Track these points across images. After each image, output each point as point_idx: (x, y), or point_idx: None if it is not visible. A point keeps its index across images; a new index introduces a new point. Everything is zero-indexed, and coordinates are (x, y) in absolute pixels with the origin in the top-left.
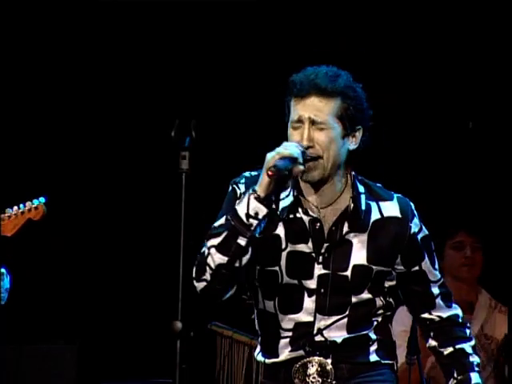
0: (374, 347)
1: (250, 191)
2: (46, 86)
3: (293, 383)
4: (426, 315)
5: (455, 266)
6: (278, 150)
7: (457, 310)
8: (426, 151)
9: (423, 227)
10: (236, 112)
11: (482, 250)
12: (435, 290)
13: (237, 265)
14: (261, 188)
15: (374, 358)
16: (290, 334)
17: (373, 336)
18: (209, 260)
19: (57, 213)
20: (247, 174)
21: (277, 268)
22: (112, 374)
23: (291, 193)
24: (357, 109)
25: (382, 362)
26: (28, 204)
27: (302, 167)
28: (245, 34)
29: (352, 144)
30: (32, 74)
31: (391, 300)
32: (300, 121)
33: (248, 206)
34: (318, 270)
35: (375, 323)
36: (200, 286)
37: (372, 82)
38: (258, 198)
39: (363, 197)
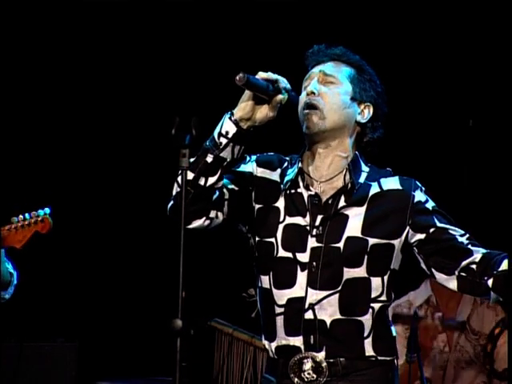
0: (369, 339)
1: (228, 113)
2: (44, 86)
3: (289, 379)
4: (465, 263)
5: None
6: (262, 72)
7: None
8: (424, 148)
9: (430, 200)
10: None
11: None
12: (463, 240)
13: (201, 183)
14: (237, 108)
15: (369, 351)
16: (282, 310)
17: (368, 325)
18: (178, 178)
19: (57, 212)
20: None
21: (273, 240)
22: (112, 371)
23: (296, 166)
24: (369, 83)
25: (379, 358)
26: (33, 214)
27: (281, 96)
28: (245, 30)
29: (360, 116)
30: (32, 77)
31: (391, 289)
32: (310, 77)
33: (222, 125)
34: (312, 243)
35: (370, 310)
36: (169, 204)
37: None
38: (231, 118)
39: (364, 174)
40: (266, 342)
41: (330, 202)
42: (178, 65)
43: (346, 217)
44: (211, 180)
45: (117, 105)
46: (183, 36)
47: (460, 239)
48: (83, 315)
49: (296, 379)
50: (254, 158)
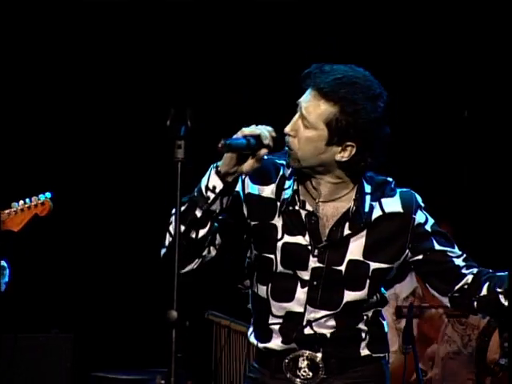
0: (365, 341)
1: (214, 165)
2: (42, 80)
3: (283, 374)
4: (457, 286)
5: None
6: (245, 128)
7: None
8: (414, 140)
9: (430, 218)
10: (231, 101)
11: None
12: (459, 263)
13: (192, 236)
14: (222, 163)
15: (364, 352)
16: (280, 321)
17: (364, 330)
18: (170, 227)
19: (55, 204)
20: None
21: (272, 256)
22: (107, 363)
23: (292, 185)
24: (352, 124)
25: (373, 355)
26: (34, 199)
27: (265, 150)
28: (239, 23)
29: (339, 156)
30: (30, 71)
31: (385, 295)
32: (297, 105)
33: (208, 179)
34: (313, 263)
35: (365, 318)
36: (161, 251)
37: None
38: (217, 173)
39: (368, 198)
40: (255, 341)
41: (334, 228)
42: (173, 56)
43: (348, 239)
44: (202, 232)
45: (112, 95)
46: (177, 28)
47: (456, 262)
48: (78, 306)
49: (291, 377)
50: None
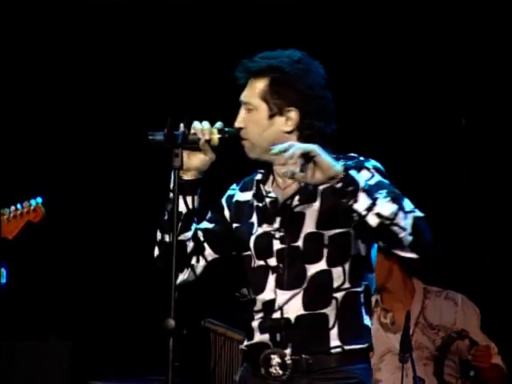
0: (334, 330)
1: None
2: (35, 84)
3: (259, 371)
4: None
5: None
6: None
7: None
8: (422, 148)
9: (377, 175)
10: (228, 110)
11: None
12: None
13: (167, 240)
14: (175, 163)
15: (334, 343)
16: (260, 315)
17: (332, 316)
18: (155, 238)
19: (48, 210)
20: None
21: (249, 252)
22: (105, 371)
23: (257, 181)
24: (286, 88)
25: (345, 348)
26: (26, 204)
27: (202, 140)
28: (230, 31)
29: (286, 126)
30: (23, 75)
31: (361, 276)
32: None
33: (172, 181)
34: (276, 245)
35: (334, 301)
36: (154, 265)
37: (364, 80)
38: (174, 173)
39: None
40: (243, 345)
41: (287, 202)
42: (170, 66)
43: (303, 215)
44: (181, 236)
45: (109, 103)
46: (172, 36)
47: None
48: (76, 314)
49: (265, 374)
50: (239, 184)
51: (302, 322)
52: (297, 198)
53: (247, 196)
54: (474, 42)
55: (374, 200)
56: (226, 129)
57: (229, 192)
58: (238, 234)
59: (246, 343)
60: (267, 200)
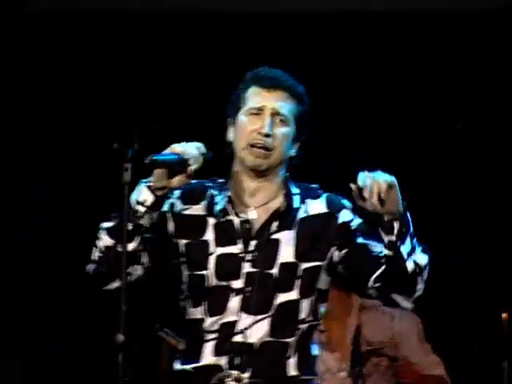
0: (293, 360)
1: (143, 181)
2: (35, 84)
3: None
4: (376, 274)
5: None
6: (174, 145)
7: None
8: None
9: (357, 217)
10: (179, 123)
11: None
12: (381, 255)
13: (120, 249)
14: (153, 178)
15: (292, 372)
16: (215, 335)
17: (293, 347)
18: (98, 241)
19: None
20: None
21: (204, 272)
22: None
23: (224, 194)
24: (308, 118)
25: (301, 377)
26: None
27: (193, 166)
28: (187, 42)
29: (293, 151)
30: (23, 75)
31: (318, 308)
32: (261, 109)
33: (139, 194)
34: (246, 268)
35: (298, 332)
36: (89, 267)
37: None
38: (148, 187)
39: (298, 197)
40: (181, 366)
41: (264, 227)
42: (121, 79)
43: (278, 241)
44: (130, 246)
45: (61, 116)
46: (127, 49)
47: (377, 252)
48: (23, 331)
49: None
50: (175, 193)
51: (266, 348)
52: (276, 223)
53: (197, 210)
54: (467, 51)
55: (414, 246)
56: (206, 151)
57: (169, 201)
58: (187, 252)
59: (192, 365)
60: (236, 219)
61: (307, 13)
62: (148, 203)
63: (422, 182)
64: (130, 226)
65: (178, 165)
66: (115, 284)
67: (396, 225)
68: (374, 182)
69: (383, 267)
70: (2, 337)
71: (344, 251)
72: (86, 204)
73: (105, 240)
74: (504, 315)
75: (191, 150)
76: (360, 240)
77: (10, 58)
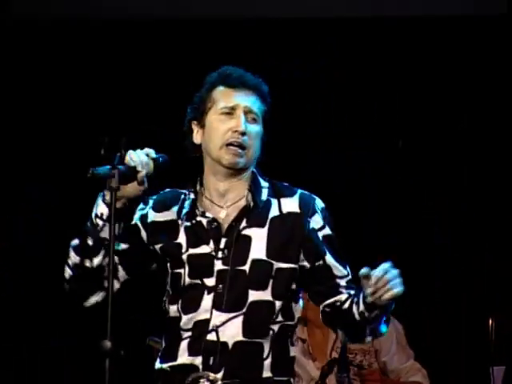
0: (267, 361)
1: (101, 193)
2: (35, 85)
3: None
4: (330, 301)
5: None
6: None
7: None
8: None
9: (327, 227)
10: (165, 130)
11: None
12: (342, 283)
13: (87, 264)
14: (106, 190)
15: (267, 373)
16: (189, 334)
17: (267, 348)
18: (68, 259)
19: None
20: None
21: (181, 270)
22: None
23: (189, 200)
24: (269, 118)
25: (275, 379)
26: None
27: (142, 173)
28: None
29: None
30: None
31: (292, 309)
32: (234, 108)
33: (97, 207)
34: (218, 266)
35: (271, 332)
36: (65, 285)
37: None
38: (104, 200)
39: (265, 191)
40: (159, 365)
41: (233, 224)
42: (108, 85)
43: (250, 239)
44: (96, 260)
45: (45, 122)
46: (112, 55)
47: (338, 281)
48: (22, 330)
49: None
50: (149, 203)
51: (239, 348)
52: (244, 220)
53: (168, 215)
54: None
55: (381, 323)
56: (157, 156)
57: (140, 212)
58: (164, 253)
59: (168, 364)
60: (203, 220)
61: (308, 18)
62: (105, 216)
63: (421, 181)
64: (91, 241)
65: (126, 173)
66: (93, 299)
67: (378, 311)
68: (385, 286)
69: (338, 297)
70: (2, 337)
71: (308, 264)
72: (86, 204)
73: (72, 258)
74: (490, 321)
75: (138, 156)
76: (327, 257)
77: (10, 58)
